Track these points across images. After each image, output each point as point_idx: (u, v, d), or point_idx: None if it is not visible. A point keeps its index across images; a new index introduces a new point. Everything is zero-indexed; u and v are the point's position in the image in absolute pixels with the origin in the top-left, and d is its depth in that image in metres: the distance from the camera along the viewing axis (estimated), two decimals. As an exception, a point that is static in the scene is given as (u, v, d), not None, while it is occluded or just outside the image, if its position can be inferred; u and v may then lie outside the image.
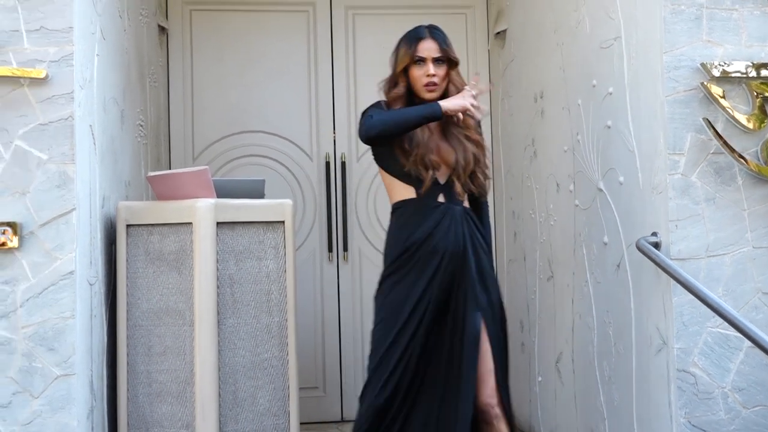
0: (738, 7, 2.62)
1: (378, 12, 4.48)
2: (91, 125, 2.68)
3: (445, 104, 2.61)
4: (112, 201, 2.95)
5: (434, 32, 2.75)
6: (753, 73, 2.57)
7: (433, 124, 2.70)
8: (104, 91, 2.86)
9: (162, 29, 4.14)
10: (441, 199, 2.67)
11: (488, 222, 2.88)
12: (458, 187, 2.67)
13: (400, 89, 2.72)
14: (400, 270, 2.65)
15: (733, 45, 2.61)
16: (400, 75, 2.73)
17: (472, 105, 2.62)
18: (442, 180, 2.69)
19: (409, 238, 2.64)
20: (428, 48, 2.70)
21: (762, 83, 2.58)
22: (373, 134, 2.62)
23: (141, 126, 3.50)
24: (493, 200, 4.49)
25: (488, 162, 2.82)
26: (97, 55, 2.78)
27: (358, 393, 2.85)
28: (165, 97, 4.24)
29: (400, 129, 2.61)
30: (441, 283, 2.61)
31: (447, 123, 2.72)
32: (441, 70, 2.70)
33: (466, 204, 2.73)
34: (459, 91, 2.73)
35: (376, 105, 2.73)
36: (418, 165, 2.63)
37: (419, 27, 2.77)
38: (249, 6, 4.38)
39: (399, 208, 2.72)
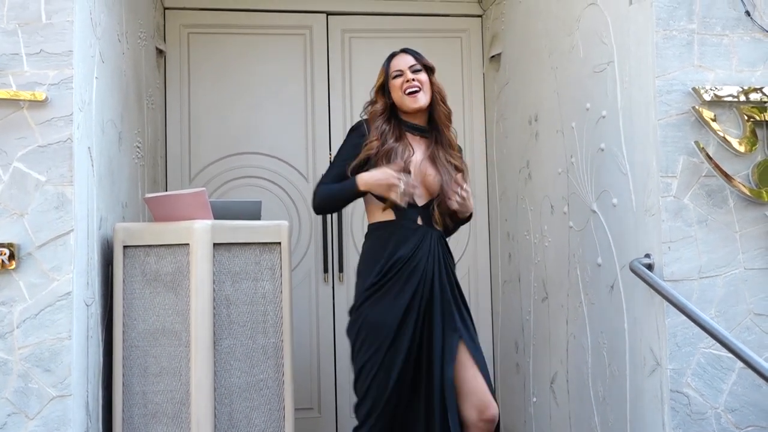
0: (728, 33, 2.66)
1: (374, 35, 4.52)
2: (89, 147, 2.70)
3: (365, 177, 2.68)
4: (110, 222, 2.96)
5: (406, 49, 2.89)
6: (743, 98, 2.62)
7: (421, 147, 2.77)
8: (103, 114, 2.89)
9: (160, 52, 4.17)
10: (419, 222, 2.72)
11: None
12: (437, 213, 2.72)
13: (378, 107, 2.83)
14: (380, 290, 2.69)
15: (723, 70, 2.65)
16: (377, 93, 2.86)
17: (405, 183, 2.62)
18: (420, 203, 2.73)
19: (392, 257, 2.69)
20: (403, 60, 2.84)
21: (752, 107, 2.63)
22: (315, 209, 2.90)
23: (138, 148, 3.52)
24: (488, 222, 4.51)
25: (469, 184, 2.80)
26: (96, 77, 2.81)
27: (354, 414, 2.81)
28: (162, 119, 4.26)
29: (332, 206, 2.92)
30: (420, 302, 2.66)
31: (435, 146, 2.78)
32: (421, 76, 2.79)
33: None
34: (441, 96, 2.83)
35: (356, 128, 2.86)
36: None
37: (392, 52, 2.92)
38: (246, 29, 4.42)
39: (377, 230, 2.78)
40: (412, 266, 2.67)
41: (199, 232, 2.82)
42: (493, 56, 4.35)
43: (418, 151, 2.78)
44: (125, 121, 3.26)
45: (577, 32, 3.20)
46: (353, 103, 4.46)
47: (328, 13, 4.50)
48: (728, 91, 2.61)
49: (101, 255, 2.85)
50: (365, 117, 2.88)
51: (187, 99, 4.35)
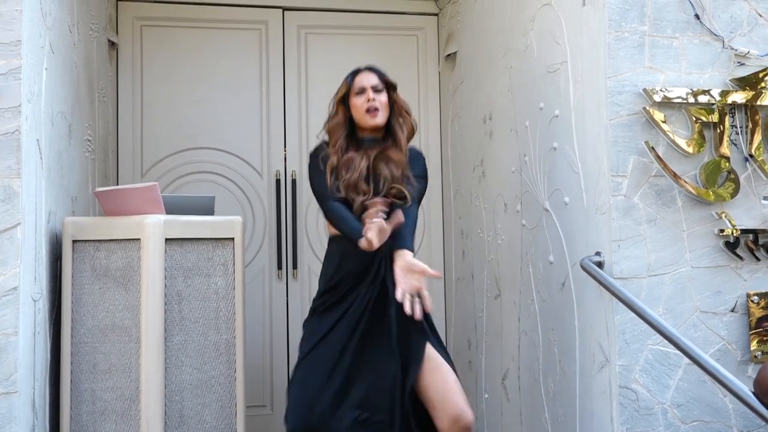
0: (678, 36, 2.71)
1: (330, 32, 4.51)
2: (38, 139, 2.64)
3: (368, 236, 2.52)
4: (59, 216, 2.91)
5: (370, 66, 2.89)
6: (692, 99, 2.67)
7: (368, 149, 2.81)
8: (52, 106, 2.83)
9: (112, 44, 4.10)
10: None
11: (411, 223, 2.73)
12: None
13: (339, 118, 2.84)
14: (327, 302, 2.75)
15: (673, 72, 2.70)
16: (338, 105, 2.85)
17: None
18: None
19: (341, 269, 2.74)
20: (366, 78, 2.84)
21: (700, 109, 2.68)
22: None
23: (89, 141, 3.46)
24: (442, 219, 4.54)
25: (405, 174, 2.78)
26: (46, 69, 2.75)
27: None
28: (114, 113, 4.19)
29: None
30: (370, 299, 2.68)
31: (372, 147, 2.81)
32: (382, 97, 2.82)
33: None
34: (404, 110, 2.86)
35: (317, 151, 2.84)
36: (350, 191, 2.71)
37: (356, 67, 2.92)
38: (201, 23, 4.37)
39: (332, 242, 2.84)
40: (360, 276, 2.70)
41: (151, 226, 2.78)
42: (448, 55, 4.37)
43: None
44: (76, 114, 3.20)
45: (531, 32, 3.23)
46: (308, 99, 4.44)
47: (284, 9, 4.47)
48: (678, 92, 2.66)
49: (49, 249, 2.80)
50: (324, 139, 2.89)
51: (140, 93, 4.29)
